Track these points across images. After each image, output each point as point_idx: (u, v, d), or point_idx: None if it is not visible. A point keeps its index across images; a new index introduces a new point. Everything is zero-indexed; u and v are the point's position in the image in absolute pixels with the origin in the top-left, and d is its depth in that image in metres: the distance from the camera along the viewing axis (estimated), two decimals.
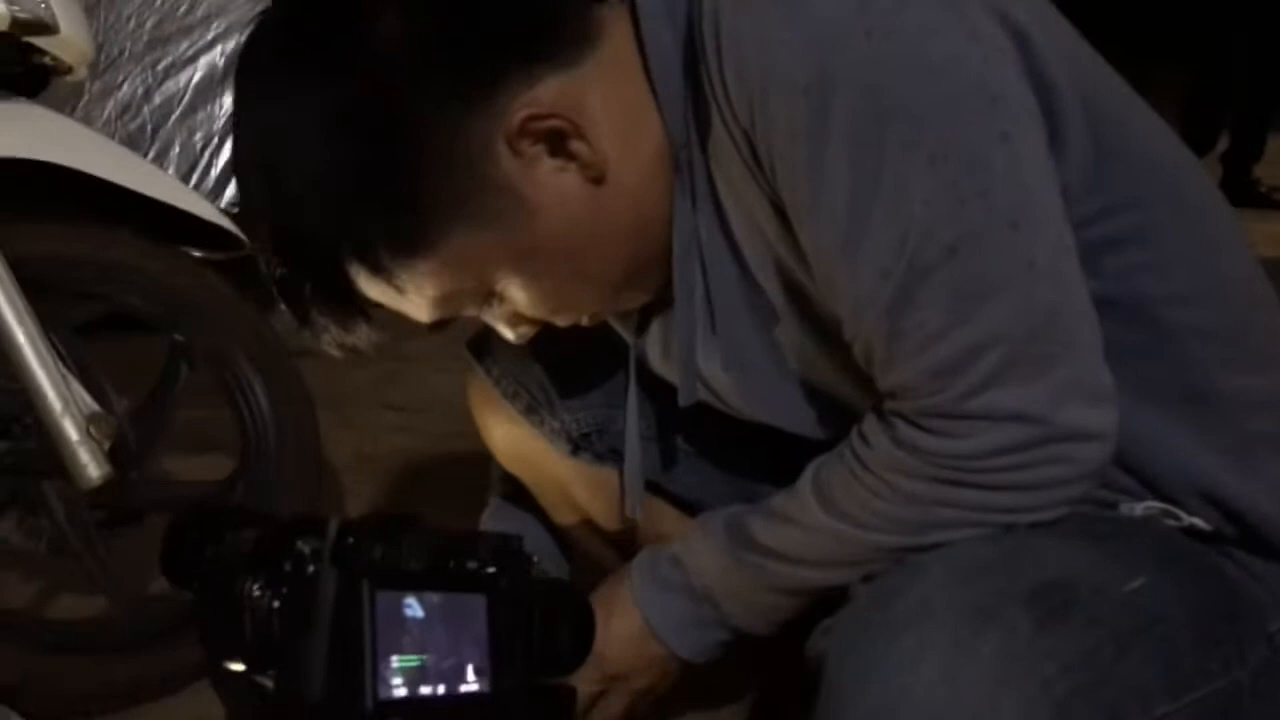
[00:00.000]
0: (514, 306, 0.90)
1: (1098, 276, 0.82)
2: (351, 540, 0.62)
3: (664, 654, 0.97)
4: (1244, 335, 0.90)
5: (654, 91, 0.85)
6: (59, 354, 1.43)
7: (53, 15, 1.43)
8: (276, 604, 0.61)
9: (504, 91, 0.81)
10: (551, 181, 0.84)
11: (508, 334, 0.94)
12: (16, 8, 1.39)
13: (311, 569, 0.61)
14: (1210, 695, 0.79)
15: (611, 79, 0.84)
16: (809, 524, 0.89)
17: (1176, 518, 0.88)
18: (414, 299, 0.86)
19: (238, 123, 0.87)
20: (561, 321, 0.93)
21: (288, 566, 0.61)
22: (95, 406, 1.44)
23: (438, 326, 0.91)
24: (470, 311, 0.91)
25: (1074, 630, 0.75)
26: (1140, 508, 0.88)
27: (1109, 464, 0.84)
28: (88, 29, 1.52)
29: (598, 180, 0.85)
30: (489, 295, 0.89)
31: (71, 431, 1.40)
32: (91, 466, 1.41)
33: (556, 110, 0.82)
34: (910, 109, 0.74)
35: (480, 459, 1.38)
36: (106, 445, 1.42)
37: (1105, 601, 0.77)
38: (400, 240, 0.83)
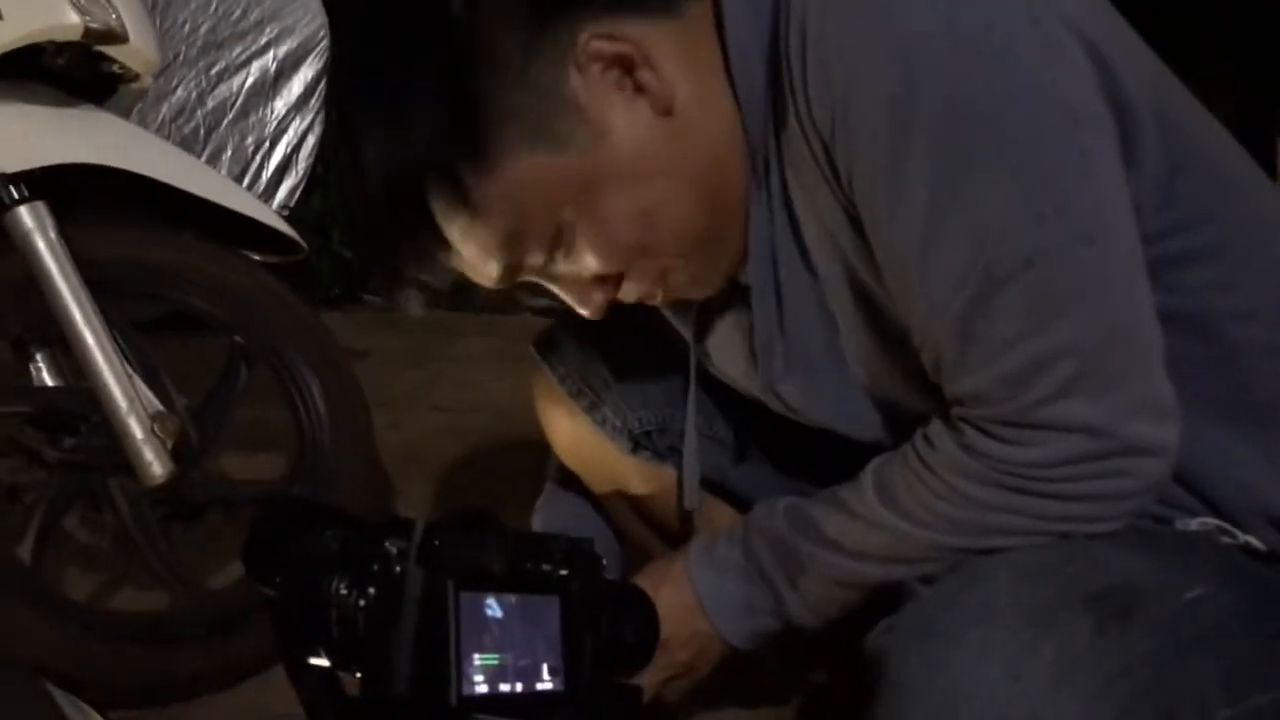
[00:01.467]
0: (581, 256, 0.90)
1: (1167, 291, 0.83)
2: (437, 543, 0.64)
3: (709, 632, 0.97)
4: None
5: (732, 85, 0.87)
6: (124, 354, 1.47)
7: (123, 25, 1.47)
8: (363, 603, 0.64)
9: (583, 17, 0.84)
10: (620, 106, 0.86)
11: (578, 306, 0.95)
12: (88, 18, 1.43)
13: (398, 569, 0.64)
14: (1268, 704, 0.79)
15: (690, 48, 0.87)
16: (870, 518, 0.90)
17: (1232, 535, 0.89)
18: (485, 231, 0.88)
19: (335, 73, 0.91)
20: (631, 284, 0.93)
21: (375, 566, 0.64)
22: (159, 405, 1.48)
23: (503, 285, 0.93)
24: (536, 260, 0.91)
25: (1134, 634, 0.76)
26: (1195, 523, 0.89)
27: (1171, 481, 0.85)
28: (155, 38, 1.56)
29: (666, 112, 0.86)
30: (556, 235, 0.89)
31: (137, 430, 1.44)
32: (156, 464, 1.45)
33: (627, 38, 0.85)
34: (992, 124, 0.76)
35: (527, 458, 1.40)
36: (170, 443, 1.46)
37: (1165, 607, 0.79)
38: (475, 155, 0.85)
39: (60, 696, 1.19)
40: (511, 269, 0.92)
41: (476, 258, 0.90)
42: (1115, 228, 0.80)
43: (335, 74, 0.93)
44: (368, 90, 0.88)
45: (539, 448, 1.34)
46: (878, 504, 0.90)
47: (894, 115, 0.76)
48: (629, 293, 0.94)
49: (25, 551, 1.47)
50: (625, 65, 0.85)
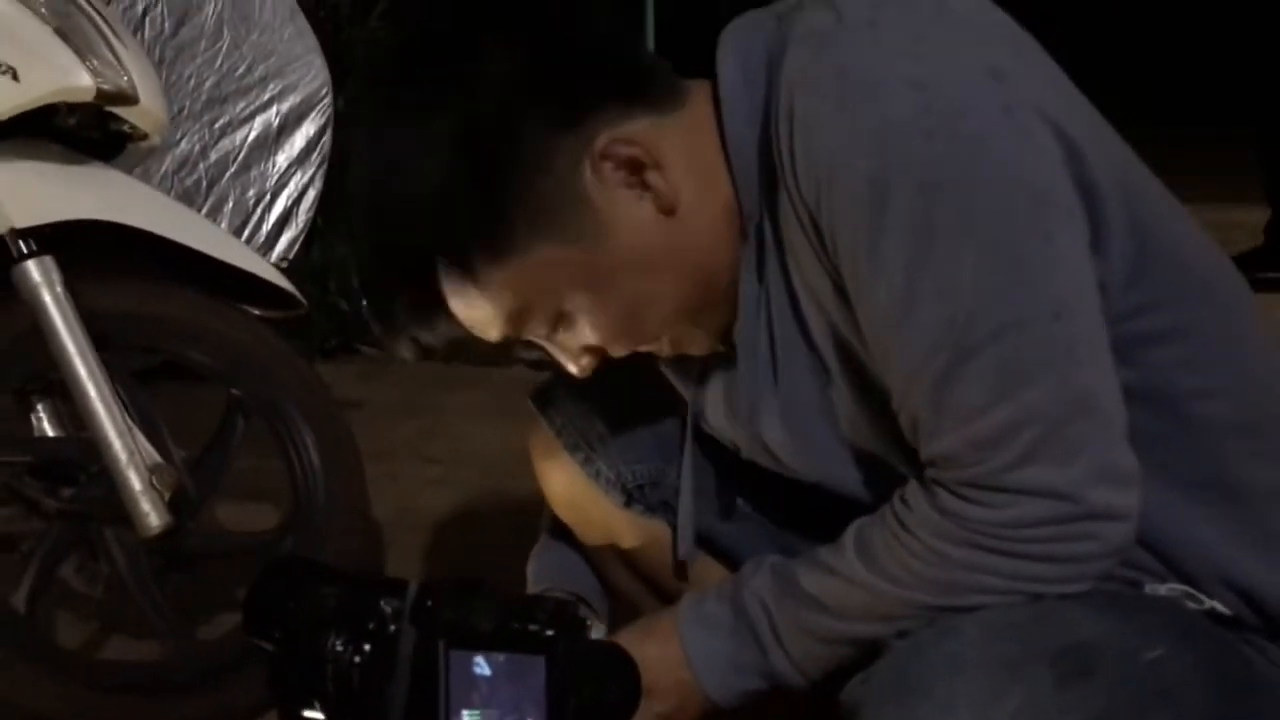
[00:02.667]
0: (580, 331, 0.96)
1: (1133, 367, 0.87)
2: (429, 603, 0.68)
3: (693, 685, 0.98)
4: (1272, 430, 0.94)
5: (728, 163, 0.93)
6: (125, 406, 1.50)
7: (134, 87, 1.52)
8: (358, 659, 0.67)
9: (598, 119, 0.90)
10: (627, 206, 0.92)
11: (570, 366, 1.00)
12: (101, 80, 1.48)
13: (393, 628, 0.67)
14: None
15: (693, 137, 0.93)
16: (850, 577, 0.93)
17: (1198, 600, 0.92)
18: (490, 308, 0.93)
19: (353, 132, 0.96)
20: (621, 350, 0.99)
21: (371, 624, 0.67)
22: (158, 457, 1.51)
23: (501, 343, 0.98)
24: (538, 332, 0.97)
25: (1094, 690, 0.80)
26: (1164, 589, 0.93)
27: (1136, 546, 0.89)
28: (164, 100, 1.61)
29: (669, 212, 0.92)
30: (558, 316, 0.95)
31: (135, 481, 1.47)
32: (153, 515, 1.48)
33: (639, 141, 0.91)
34: (963, 206, 0.81)
35: (519, 511, 1.43)
36: (167, 495, 1.49)
37: (1126, 666, 0.82)
38: (490, 244, 0.91)
39: None
40: (512, 334, 0.97)
41: (478, 324, 0.95)
42: (1079, 305, 0.84)
43: (350, 144, 0.98)
44: (384, 167, 0.92)
45: (531, 500, 1.37)
46: (858, 564, 0.93)
47: (872, 197, 0.81)
48: (621, 350, 0.99)
49: (20, 600, 1.49)
50: (636, 167, 0.91)
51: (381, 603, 0.68)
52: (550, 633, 0.74)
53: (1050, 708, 0.78)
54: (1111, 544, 0.86)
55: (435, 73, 0.92)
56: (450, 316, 0.95)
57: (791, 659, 0.96)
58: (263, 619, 0.75)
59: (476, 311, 0.94)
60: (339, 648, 0.67)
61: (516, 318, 0.95)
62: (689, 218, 0.93)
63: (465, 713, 0.67)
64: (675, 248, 0.93)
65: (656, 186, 0.91)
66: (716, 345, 1.02)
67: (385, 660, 0.67)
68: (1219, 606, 0.92)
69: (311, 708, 0.70)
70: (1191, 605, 0.92)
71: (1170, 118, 5.54)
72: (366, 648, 0.67)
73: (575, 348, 0.98)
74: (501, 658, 0.71)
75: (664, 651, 0.97)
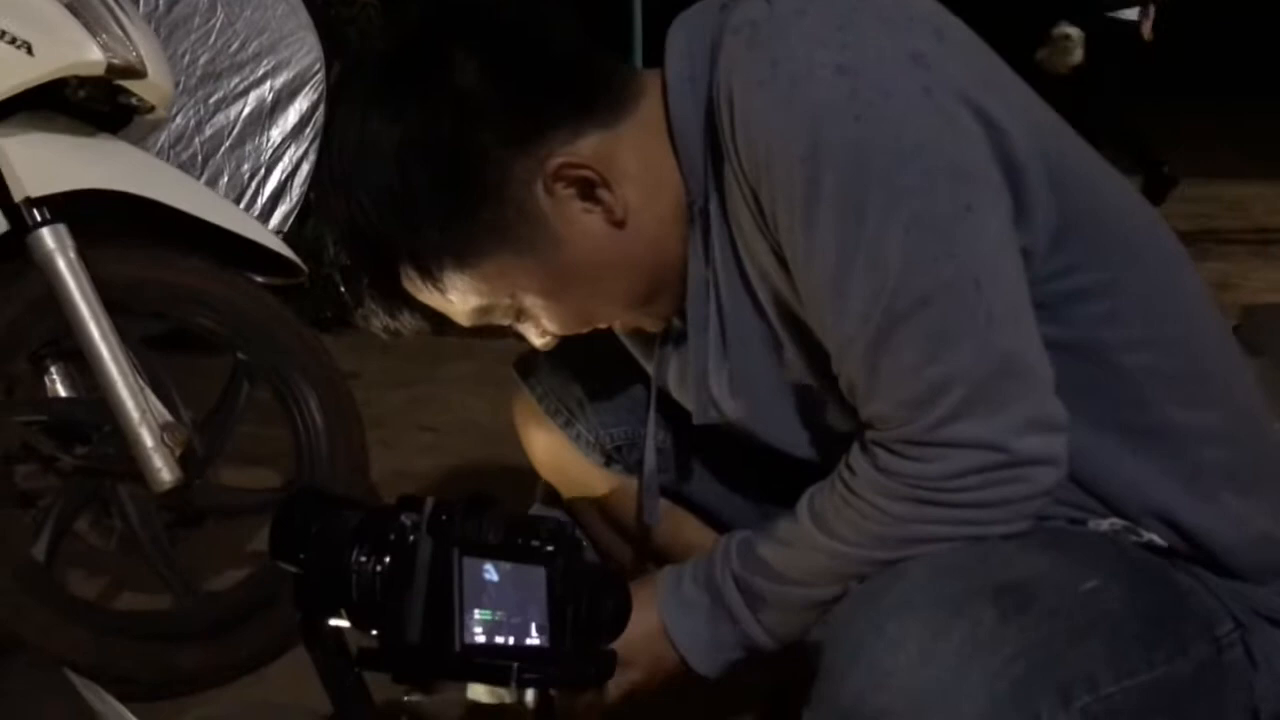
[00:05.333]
0: (539, 322, 1.05)
1: (1061, 324, 0.95)
2: (444, 516, 0.75)
3: (672, 658, 1.05)
4: (1196, 375, 1.02)
5: (675, 150, 0.99)
6: (136, 368, 1.57)
7: (142, 61, 1.58)
8: (379, 569, 0.75)
9: (551, 139, 0.96)
10: (579, 221, 0.98)
11: (535, 341, 1.08)
12: (111, 54, 1.54)
13: (412, 539, 0.75)
14: (1151, 681, 0.90)
15: (642, 139, 0.99)
16: (809, 545, 1.00)
17: (1137, 534, 1.00)
18: (455, 305, 1.02)
19: (331, 132, 1.02)
20: (579, 332, 1.07)
21: (392, 536, 0.75)
22: (168, 416, 1.57)
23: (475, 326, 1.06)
24: (502, 321, 1.05)
25: (1032, 621, 0.87)
26: (1106, 524, 1.01)
27: (1075, 487, 0.97)
28: (170, 73, 1.67)
29: (619, 224, 0.99)
30: (518, 312, 1.04)
31: (148, 438, 1.54)
32: (165, 471, 1.55)
33: (589, 163, 0.96)
34: (889, 183, 0.88)
35: (509, 475, 1.49)
36: (178, 452, 1.56)
37: (1062, 598, 0.90)
38: (449, 254, 0.98)
39: (81, 685, 1.29)
40: (477, 323, 1.05)
41: (445, 313, 1.04)
42: (1000, 272, 0.91)
43: (326, 137, 1.04)
44: (350, 169, 0.98)
45: (519, 466, 1.44)
46: (815, 532, 1.00)
47: (805, 174, 0.88)
48: (578, 332, 1.07)
49: (40, 552, 1.56)
50: (587, 185, 0.97)
51: (402, 517, 0.76)
52: (550, 548, 0.82)
53: (992, 639, 0.85)
54: (1041, 486, 0.93)
55: (405, 80, 0.97)
56: (414, 304, 1.02)
57: (768, 630, 1.03)
58: (288, 543, 0.82)
59: (441, 305, 1.02)
60: (362, 559, 0.75)
61: (479, 313, 1.02)
62: (639, 224, 0.99)
63: (477, 611, 0.75)
64: (625, 252, 1.00)
65: (606, 202, 0.98)
66: (671, 321, 1.09)
67: (405, 569, 0.75)
68: (1155, 539, 1.00)
69: (338, 616, 0.78)
70: (1132, 539, 1.00)
71: None
72: (387, 559, 0.75)
73: (537, 331, 1.07)
74: (508, 566, 0.78)
75: (643, 626, 1.02)
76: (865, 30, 0.90)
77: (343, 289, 1.04)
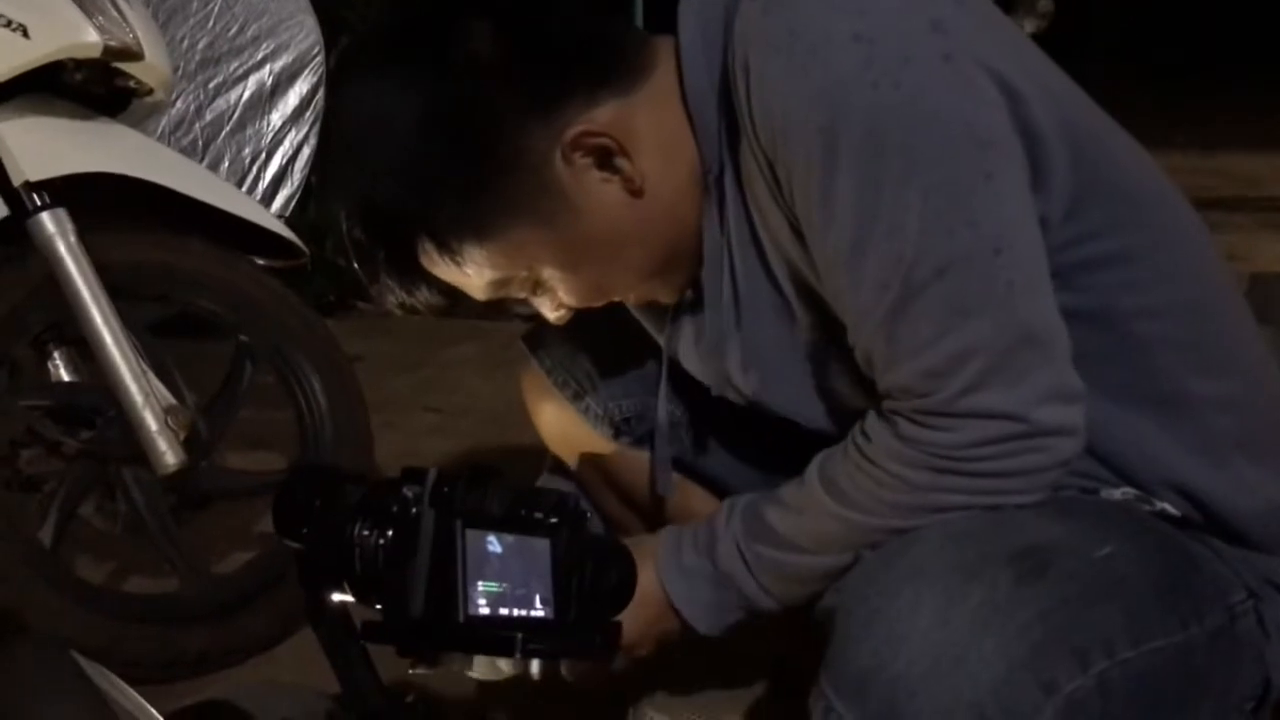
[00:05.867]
0: (556, 294, 1.04)
1: (1077, 291, 0.94)
2: (447, 488, 0.75)
3: (676, 628, 1.06)
4: (1211, 344, 1.01)
5: (690, 119, 0.98)
6: (139, 351, 1.57)
7: (139, 43, 1.57)
8: (382, 541, 0.75)
9: (568, 108, 0.95)
10: (597, 191, 0.97)
11: (549, 315, 1.07)
12: (108, 36, 1.54)
13: (414, 511, 0.75)
14: (1167, 646, 0.90)
15: (657, 107, 0.98)
16: (820, 512, 0.99)
17: (1150, 503, 1.00)
18: (472, 278, 1.00)
19: (338, 104, 1.01)
20: (595, 305, 1.06)
21: (395, 509, 0.75)
22: (172, 399, 1.57)
23: (490, 302, 1.05)
24: (518, 294, 1.04)
25: (1049, 585, 0.87)
26: (1119, 493, 1.00)
27: (1088, 456, 0.96)
28: (168, 56, 1.66)
29: (637, 194, 0.98)
30: (535, 284, 1.03)
31: (152, 421, 1.54)
32: (169, 454, 1.55)
33: (607, 130, 0.96)
34: (907, 151, 0.87)
35: (514, 457, 1.49)
36: (182, 435, 1.56)
37: (1078, 563, 0.89)
38: (468, 227, 0.97)
39: (89, 668, 1.28)
40: (493, 296, 1.04)
41: (461, 288, 1.02)
42: (1019, 240, 0.90)
43: (333, 111, 1.02)
44: (364, 140, 0.97)
45: (524, 447, 1.44)
46: (825, 498, 0.99)
47: (823, 143, 0.87)
48: (594, 305, 1.06)
49: (46, 536, 1.56)
50: (605, 154, 0.96)
51: (404, 489, 0.75)
52: (554, 520, 0.82)
53: (1009, 604, 0.85)
54: (1059, 456, 0.93)
55: (419, 49, 0.96)
56: (430, 280, 1.01)
57: (773, 597, 1.03)
58: (291, 519, 0.82)
59: (458, 279, 1.01)
60: (364, 533, 0.75)
61: (496, 286, 1.01)
62: (656, 193, 0.98)
63: (480, 583, 0.75)
64: (643, 222, 0.99)
65: (625, 171, 0.97)
66: (685, 292, 1.09)
67: (408, 541, 0.74)
68: (1168, 508, 1.00)
69: (341, 590, 0.78)
70: (1145, 508, 1.00)
71: None
72: (390, 532, 0.74)
73: (553, 304, 1.06)
74: (511, 538, 0.78)
75: (646, 589, 1.01)
76: None
77: (356, 265, 1.01)
